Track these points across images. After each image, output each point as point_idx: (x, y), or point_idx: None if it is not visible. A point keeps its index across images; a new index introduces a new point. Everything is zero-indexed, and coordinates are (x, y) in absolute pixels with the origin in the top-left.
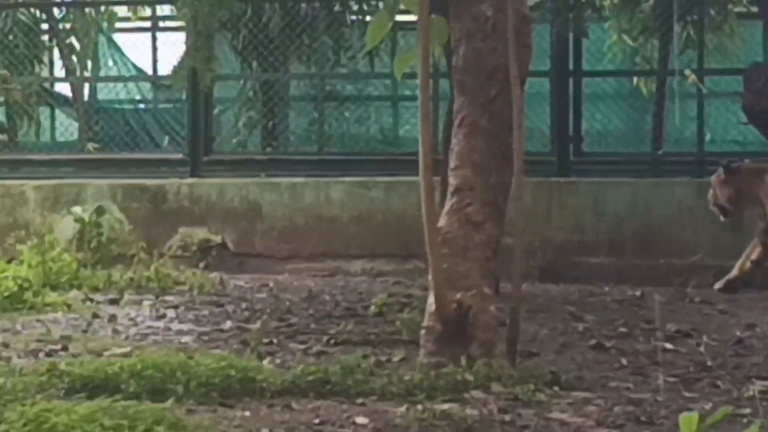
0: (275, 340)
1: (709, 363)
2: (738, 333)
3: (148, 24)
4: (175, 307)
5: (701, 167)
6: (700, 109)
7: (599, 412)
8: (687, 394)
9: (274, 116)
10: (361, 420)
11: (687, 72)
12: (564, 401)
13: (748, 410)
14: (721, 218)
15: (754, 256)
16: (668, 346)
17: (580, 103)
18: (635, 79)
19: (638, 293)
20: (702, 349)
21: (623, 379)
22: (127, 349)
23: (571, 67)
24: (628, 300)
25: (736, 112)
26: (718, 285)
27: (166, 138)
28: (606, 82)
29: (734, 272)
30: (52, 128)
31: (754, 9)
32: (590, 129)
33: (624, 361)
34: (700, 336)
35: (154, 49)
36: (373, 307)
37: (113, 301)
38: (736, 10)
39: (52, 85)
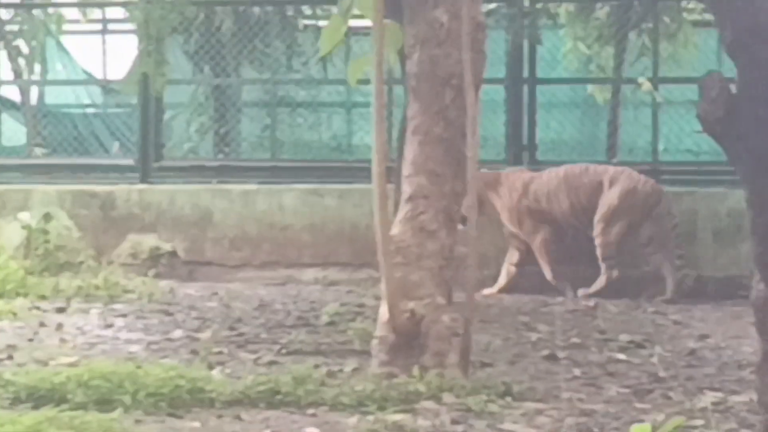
0: (225, 350)
1: (661, 374)
2: (691, 344)
3: (98, 27)
4: (124, 315)
5: (655, 177)
6: (655, 117)
7: (551, 423)
8: (639, 405)
9: (226, 122)
10: (311, 431)
11: (641, 80)
12: (516, 412)
13: (700, 422)
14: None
15: (514, 261)
16: (621, 356)
17: (534, 110)
18: (590, 87)
19: (591, 303)
20: (654, 360)
21: (576, 390)
22: (74, 359)
23: (525, 74)
24: (581, 310)
25: (691, 121)
26: (486, 291)
27: (116, 143)
28: (560, 89)
29: (503, 280)
30: None
31: (709, 17)
32: (545, 137)
33: (576, 372)
34: (653, 347)
35: (104, 52)
36: (325, 317)
37: (60, 310)
38: (691, 18)
39: None
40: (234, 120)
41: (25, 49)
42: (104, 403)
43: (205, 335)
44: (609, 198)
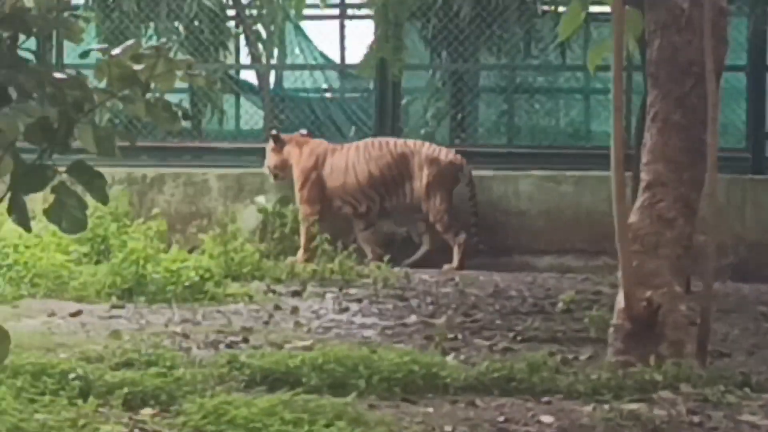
0: (460, 336)
1: None
2: None
3: (336, 12)
4: (359, 300)
5: None
6: None
7: None
8: None
9: (462, 107)
10: (546, 419)
11: None
12: (755, 403)
13: None
14: (272, 180)
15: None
16: None
17: None
18: None
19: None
20: None
21: None
22: (309, 342)
23: None
24: None
25: None
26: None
27: (353, 128)
28: None
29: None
30: (237, 116)
31: None
32: None
33: None
34: None
35: (342, 37)
36: (560, 304)
37: (296, 293)
38: None
39: (237, 73)
40: (471, 105)
41: (263, 34)
42: (338, 387)
43: (439, 321)
44: (421, 175)
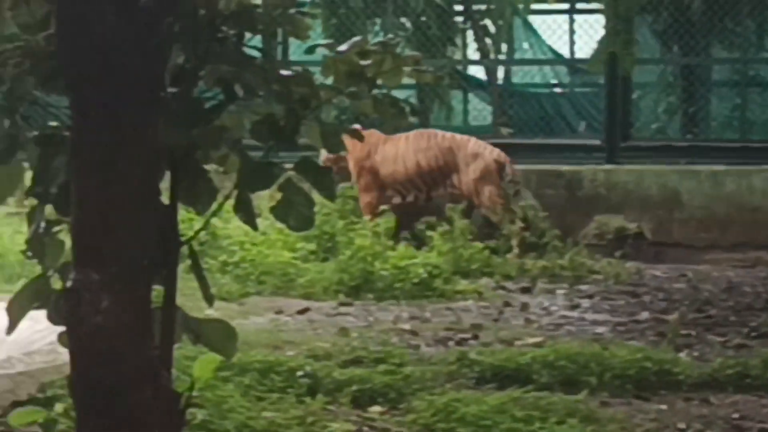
0: (693, 332)
1: None
2: None
3: (565, 6)
4: (590, 296)
5: None
6: None
7: None
8: None
9: (694, 102)
10: None
11: None
12: None
13: None
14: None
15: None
16: None
17: None
18: None
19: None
20: None
21: None
22: (540, 339)
23: None
24: None
25: None
26: None
27: (583, 123)
28: None
29: None
30: (465, 112)
31: None
32: None
33: None
34: None
35: (571, 32)
36: None
37: (525, 290)
38: None
39: (465, 68)
40: (703, 100)
41: (491, 29)
42: (569, 385)
43: (672, 317)
44: (467, 170)
